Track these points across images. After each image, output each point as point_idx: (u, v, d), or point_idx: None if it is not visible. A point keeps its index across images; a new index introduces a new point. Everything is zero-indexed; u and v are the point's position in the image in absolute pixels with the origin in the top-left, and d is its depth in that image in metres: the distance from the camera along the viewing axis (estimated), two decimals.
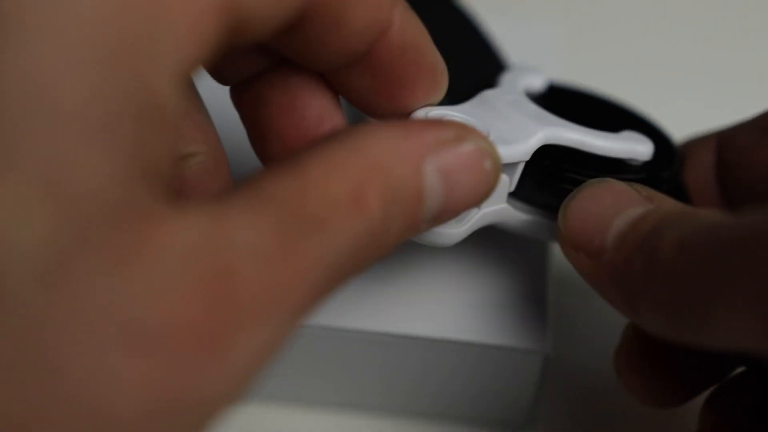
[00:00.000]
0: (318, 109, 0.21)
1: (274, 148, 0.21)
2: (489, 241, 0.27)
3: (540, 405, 0.28)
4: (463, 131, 0.19)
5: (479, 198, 0.19)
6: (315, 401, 0.28)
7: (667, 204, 0.21)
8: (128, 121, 0.14)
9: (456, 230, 0.22)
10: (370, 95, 0.21)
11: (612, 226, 0.21)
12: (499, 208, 0.23)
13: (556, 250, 0.27)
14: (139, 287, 0.14)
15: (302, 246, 0.15)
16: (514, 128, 0.22)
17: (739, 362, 0.23)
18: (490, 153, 0.19)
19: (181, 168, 0.20)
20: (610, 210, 0.21)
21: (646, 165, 0.23)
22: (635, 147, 0.23)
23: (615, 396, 0.28)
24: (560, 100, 0.25)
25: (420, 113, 0.21)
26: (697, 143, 0.26)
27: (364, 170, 0.17)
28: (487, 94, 0.23)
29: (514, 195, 0.23)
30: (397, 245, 0.18)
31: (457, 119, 0.22)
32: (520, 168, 0.22)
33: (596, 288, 0.21)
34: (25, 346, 0.13)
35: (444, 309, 0.26)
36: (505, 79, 0.25)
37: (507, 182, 0.22)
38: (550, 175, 0.22)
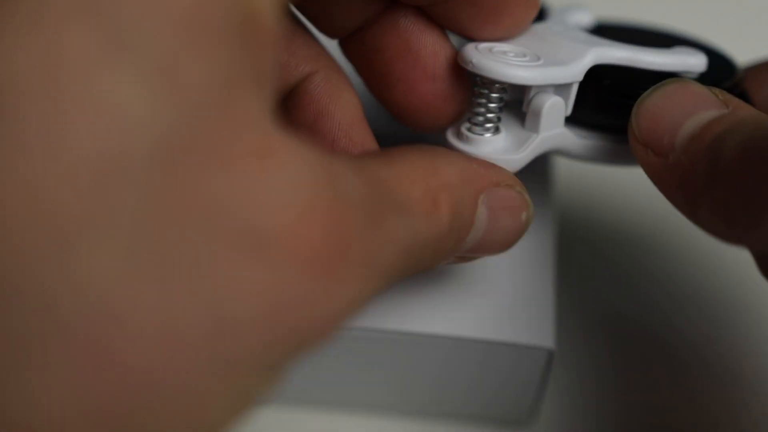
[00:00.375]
0: (431, 46, 0.22)
1: (398, 92, 0.22)
2: None
3: (543, 402, 0.28)
4: (515, 180, 0.21)
5: (508, 244, 0.21)
6: (320, 400, 0.28)
7: (744, 110, 0.21)
8: (233, 28, 0.14)
9: (516, 156, 0.22)
10: (471, 23, 0.22)
11: (684, 126, 0.21)
12: (557, 132, 0.23)
13: (561, 244, 0.28)
14: (263, 195, 0.14)
15: (391, 221, 0.17)
16: (565, 51, 0.22)
17: None
18: (529, 206, 0.21)
19: (307, 87, 0.22)
20: (684, 110, 0.21)
21: (702, 77, 0.24)
22: (688, 60, 0.23)
23: (618, 392, 0.29)
24: (609, 34, 0.25)
25: (470, 46, 0.22)
26: (759, 67, 0.26)
27: (438, 183, 0.19)
28: (536, 27, 0.24)
29: (572, 120, 0.23)
30: (438, 264, 0.19)
31: (506, 50, 0.22)
32: (574, 90, 0.22)
33: (659, 187, 0.22)
34: (145, 231, 0.13)
35: (448, 305, 0.26)
36: (552, 16, 0.25)
37: (562, 105, 0.22)
38: (610, 93, 0.23)
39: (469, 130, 0.22)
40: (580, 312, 0.30)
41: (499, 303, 0.26)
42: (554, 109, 0.22)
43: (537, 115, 0.22)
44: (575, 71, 0.22)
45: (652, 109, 0.22)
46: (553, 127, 0.23)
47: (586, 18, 0.26)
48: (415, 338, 0.25)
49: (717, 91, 0.22)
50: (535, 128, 0.22)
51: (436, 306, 0.26)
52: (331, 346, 0.25)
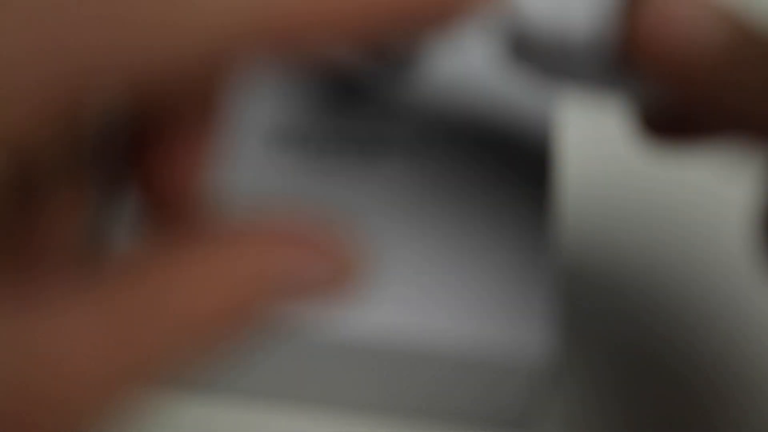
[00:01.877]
0: None
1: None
2: (492, 231, 0.25)
3: (538, 408, 0.27)
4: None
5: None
6: (302, 400, 0.27)
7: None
8: None
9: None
10: None
11: (703, 11, 0.20)
12: None
13: (564, 244, 0.26)
14: None
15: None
16: None
17: None
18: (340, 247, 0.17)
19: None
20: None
21: None
22: None
23: (622, 397, 0.28)
24: None
25: None
26: None
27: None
28: None
29: None
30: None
31: None
32: None
33: (688, 78, 0.20)
34: None
35: (435, 314, 0.24)
36: None
37: None
38: None
39: None
40: (588, 313, 0.30)
41: (491, 308, 0.24)
42: None
43: None
44: None
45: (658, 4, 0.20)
46: None
47: None
48: (400, 352, 0.24)
49: None
50: None
51: (426, 313, 0.24)
52: (326, 351, 0.25)
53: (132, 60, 0.13)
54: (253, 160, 0.26)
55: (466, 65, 0.28)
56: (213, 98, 0.17)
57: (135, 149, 0.18)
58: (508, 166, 0.26)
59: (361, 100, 0.27)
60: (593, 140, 0.35)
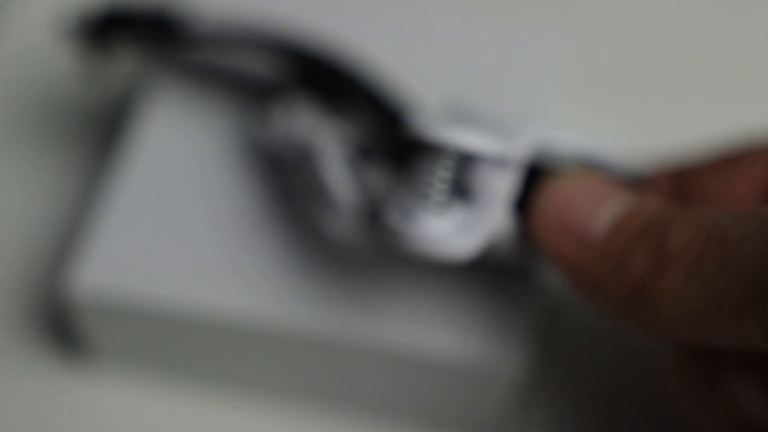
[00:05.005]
0: None
1: None
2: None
3: (513, 416, 0.28)
4: None
5: None
6: (281, 394, 0.28)
7: (654, 195, 0.21)
8: None
9: (466, 240, 0.20)
10: None
11: (601, 210, 0.21)
12: (504, 216, 0.21)
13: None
14: None
15: None
16: (507, 129, 0.21)
17: None
18: None
19: None
20: (598, 196, 0.21)
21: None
22: (612, 148, 0.23)
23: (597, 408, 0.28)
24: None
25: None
26: (653, 182, 0.25)
27: None
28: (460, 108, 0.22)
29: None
30: None
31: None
32: (517, 169, 0.21)
33: (578, 277, 0.21)
34: None
35: (411, 318, 0.25)
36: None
37: (507, 182, 0.21)
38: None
39: (415, 208, 0.20)
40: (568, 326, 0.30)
41: (468, 320, 0.25)
42: (501, 187, 0.21)
43: (487, 192, 0.21)
44: (520, 147, 0.21)
45: (564, 195, 0.21)
46: (499, 208, 0.21)
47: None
48: (372, 354, 0.25)
49: (615, 177, 0.22)
50: (486, 206, 0.21)
51: (399, 318, 0.25)
52: (304, 350, 0.26)
53: None
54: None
55: None
56: None
57: None
58: None
59: None
60: None
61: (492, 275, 0.26)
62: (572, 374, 0.29)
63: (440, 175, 0.20)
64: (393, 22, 0.30)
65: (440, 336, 0.25)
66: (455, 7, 0.34)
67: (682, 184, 0.25)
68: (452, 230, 0.20)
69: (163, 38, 0.27)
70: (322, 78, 0.26)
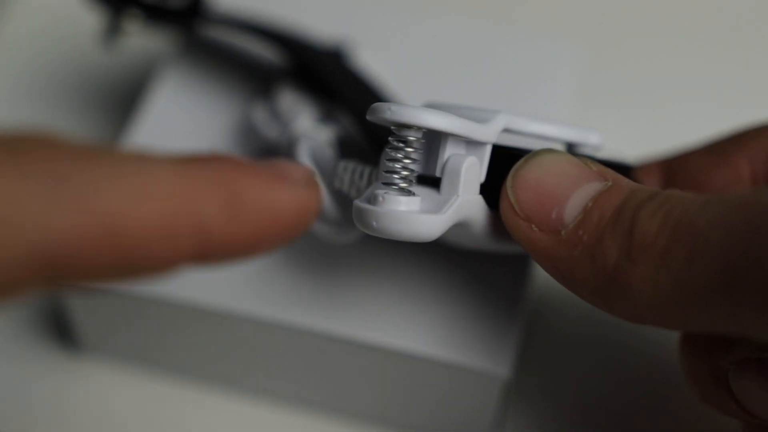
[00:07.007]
0: None
1: None
2: (468, 253, 0.26)
3: (503, 423, 0.28)
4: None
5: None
6: (272, 393, 0.28)
7: (625, 181, 0.20)
8: None
9: (438, 215, 0.20)
10: None
11: (572, 198, 0.20)
12: (474, 198, 0.21)
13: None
14: None
15: None
16: (477, 114, 0.21)
17: None
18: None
19: None
20: (567, 181, 0.20)
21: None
22: (589, 135, 0.23)
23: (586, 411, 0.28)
24: None
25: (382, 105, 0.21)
26: (642, 169, 0.25)
27: None
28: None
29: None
30: None
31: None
32: (488, 153, 0.21)
33: (549, 263, 0.20)
34: None
35: (406, 318, 0.25)
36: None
37: (479, 167, 0.21)
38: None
39: (383, 189, 0.20)
40: (550, 343, 0.30)
41: (461, 320, 0.25)
42: (472, 170, 0.21)
43: (456, 174, 0.21)
44: (490, 131, 0.21)
45: (532, 181, 0.21)
46: (470, 191, 0.21)
47: None
48: (366, 349, 0.25)
49: (588, 160, 0.21)
50: (455, 189, 0.21)
51: (393, 317, 0.25)
52: (291, 346, 0.26)
53: None
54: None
55: None
56: None
57: None
58: None
59: None
60: None
61: (483, 275, 0.26)
62: (562, 375, 0.29)
63: (407, 154, 0.20)
64: (405, 32, 0.32)
65: (430, 336, 0.25)
66: (468, 18, 0.35)
67: (671, 171, 0.25)
68: (418, 210, 0.20)
69: (190, 14, 0.29)
70: (312, 77, 0.27)
